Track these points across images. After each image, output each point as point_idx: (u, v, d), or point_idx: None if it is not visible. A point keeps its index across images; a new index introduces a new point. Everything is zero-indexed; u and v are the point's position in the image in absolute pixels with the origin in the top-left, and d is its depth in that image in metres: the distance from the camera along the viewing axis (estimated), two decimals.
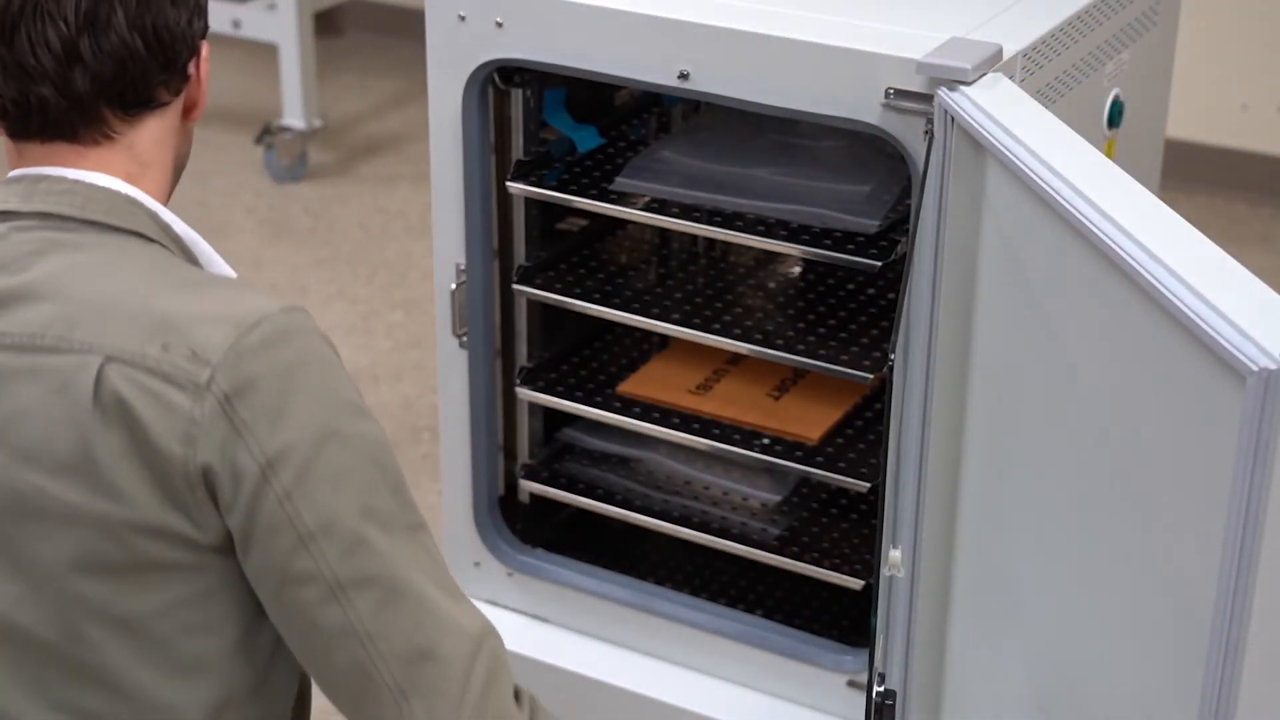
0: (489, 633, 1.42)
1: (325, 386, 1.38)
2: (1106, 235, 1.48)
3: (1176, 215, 1.51)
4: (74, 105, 1.45)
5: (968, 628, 1.95)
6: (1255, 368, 1.28)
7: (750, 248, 2.42)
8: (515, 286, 2.31)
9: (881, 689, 1.77)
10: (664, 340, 2.46)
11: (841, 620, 2.29)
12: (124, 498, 1.36)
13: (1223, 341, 1.31)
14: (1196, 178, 4.28)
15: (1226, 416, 1.32)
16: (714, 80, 2.01)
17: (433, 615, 1.38)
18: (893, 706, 1.78)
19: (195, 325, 1.36)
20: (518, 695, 1.46)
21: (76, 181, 1.46)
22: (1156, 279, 1.40)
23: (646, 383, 2.38)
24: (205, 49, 1.54)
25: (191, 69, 1.52)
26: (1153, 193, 1.62)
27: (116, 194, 1.46)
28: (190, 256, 1.50)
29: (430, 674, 1.38)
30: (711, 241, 2.51)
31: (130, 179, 1.48)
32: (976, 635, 1.93)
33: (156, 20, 1.45)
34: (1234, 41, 4.23)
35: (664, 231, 2.51)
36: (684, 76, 2.02)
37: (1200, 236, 1.47)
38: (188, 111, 1.54)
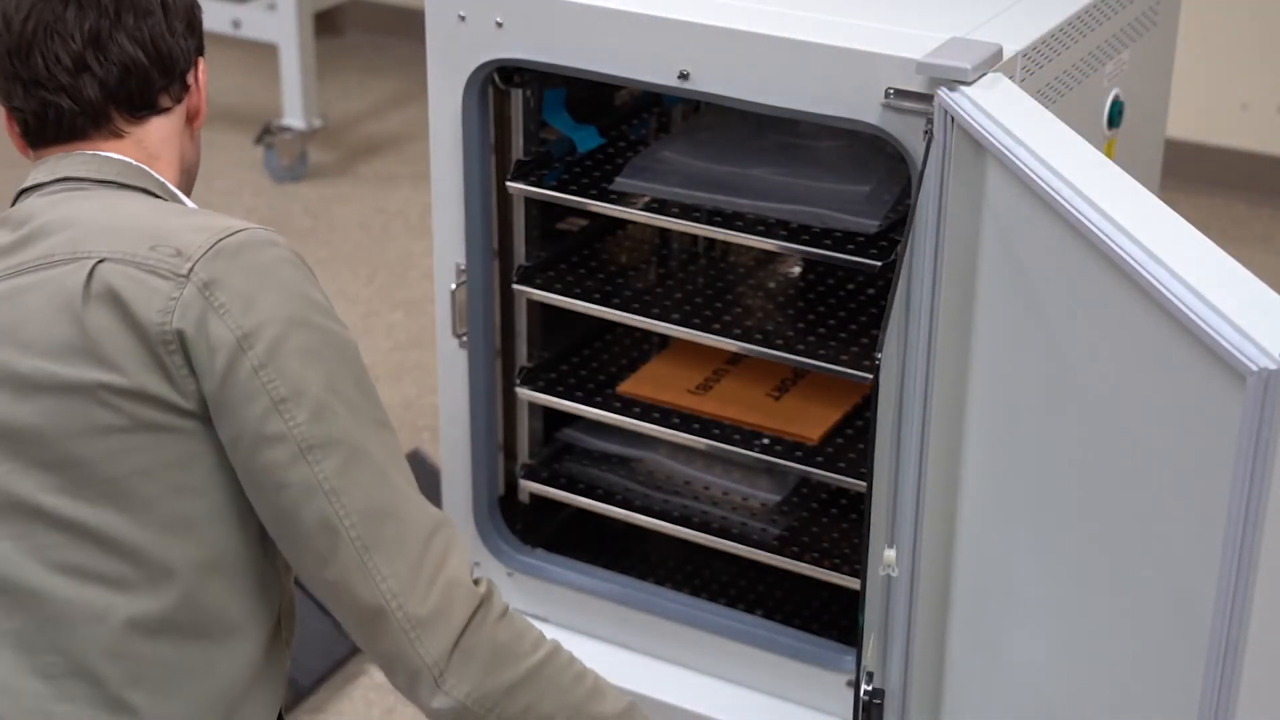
0: (446, 520, 1.56)
1: (297, 286, 1.54)
2: (1106, 235, 1.48)
3: (1176, 215, 1.51)
4: (85, 110, 1.65)
5: (967, 627, 1.95)
6: (1255, 368, 1.28)
7: (750, 248, 2.42)
8: (515, 286, 2.31)
9: (870, 688, 1.77)
10: (664, 340, 2.46)
11: (841, 620, 2.30)
12: (113, 365, 1.50)
13: (1223, 341, 1.31)
14: (1196, 178, 4.28)
15: (1226, 416, 1.32)
16: (714, 80, 2.01)
17: (393, 486, 1.53)
18: (880, 705, 1.78)
19: (181, 232, 1.55)
20: (476, 581, 1.57)
21: (94, 155, 1.66)
22: (1156, 279, 1.40)
23: (646, 383, 2.38)
24: (202, 64, 1.74)
25: (190, 79, 1.72)
26: (1153, 193, 1.62)
27: (128, 163, 1.66)
28: None
29: (392, 531, 1.51)
30: (711, 241, 2.51)
31: (145, 160, 1.68)
32: (976, 635, 1.93)
33: (153, 34, 1.66)
34: (1234, 41, 4.23)
35: (664, 231, 2.51)
36: (684, 76, 2.02)
37: (1200, 236, 1.47)
38: (191, 118, 1.74)
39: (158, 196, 1.66)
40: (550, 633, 2.39)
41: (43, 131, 1.66)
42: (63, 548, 1.53)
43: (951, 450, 1.90)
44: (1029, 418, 1.74)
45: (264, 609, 1.60)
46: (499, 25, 2.11)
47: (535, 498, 2.45)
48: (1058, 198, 1.57)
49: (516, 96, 2.25)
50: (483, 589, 1.56)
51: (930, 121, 1.82)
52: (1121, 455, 1.54)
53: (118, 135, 1.67)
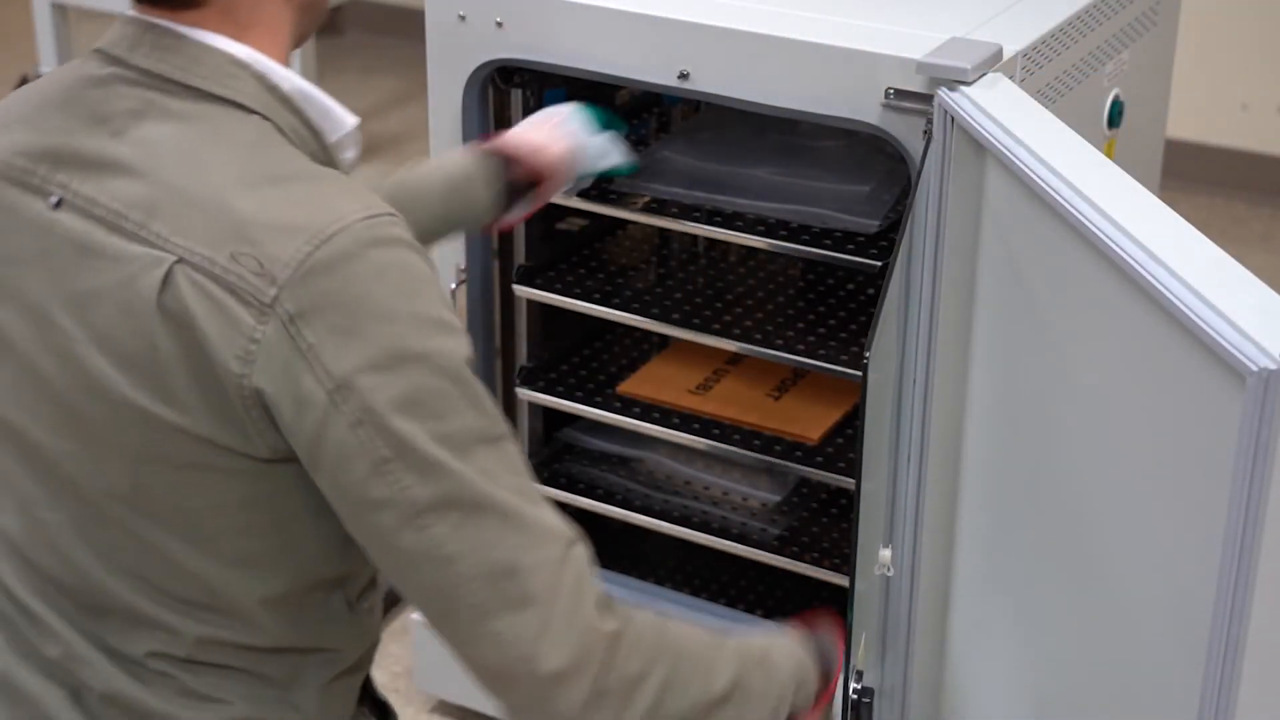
0: (573, 540, 1.36)
1: (400, 302, 1.30)
2: (1106, 235, 1.48)
3: (1176, 215, 1.51)
4: None
5: (967, 627, 1.95)
6: (1255, 368, 1.28)
7: (750, 248, 2.42)
8: (515, 286, 2.31)
9: (859, 686, 1.77)
10: (664, 340, 2.46)
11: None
12: (179, 404, 1.32)
13: (1223, 342, 1.31)
14: (1196, 178, 4.28)
15: (1226, 416, 1.31)
16: (714, 80, 2.01)
17: (514, 529, 1.31)
18: (870, 704, 1.78)
19: (269, 234, 1.29)
20: (607, 605, 1.37)
21: (184, 38, 1.38)
22: (1156, 279, 1.40)
23: (646, 383, 2.38)
24: None
25: None
26: (1153, 193, 1.62)
27: (222, 54, 1.38)
28: (303, 117, 1.41)
29: (516, 589, 1.31)
30: (711, 241, 2.51)
31: (234, 34, 1.40)
32: (976, 635, 1.93)
33: None
34: (1234, 41, 4.22)
35: (664, 231, 2.51)
36: (684, 76, 2.02)
37: (1200, 236, 1.47)
38: None
39: (252, 112, 1.38)
40: None
41: None
42: (130, 554, 1.41)
43: (951, 450, 1.90)
44: (1028, 417, 1.74)
45: (347, 622, 1.47)
46: (499, 25, 2.11)
47: None
48: (1058, 198, 1.57)
49: (516, 96, 2.25)
50: (613, 624, 1.35)
51: (930, 121, 1.82)
52: (1121, 455, 1.54)
53: (196, 2, 1.38)
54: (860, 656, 1.81)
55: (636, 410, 2.33)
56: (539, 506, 1.35)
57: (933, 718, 2.02)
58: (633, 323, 2.28)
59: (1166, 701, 1.47)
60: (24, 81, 4.61)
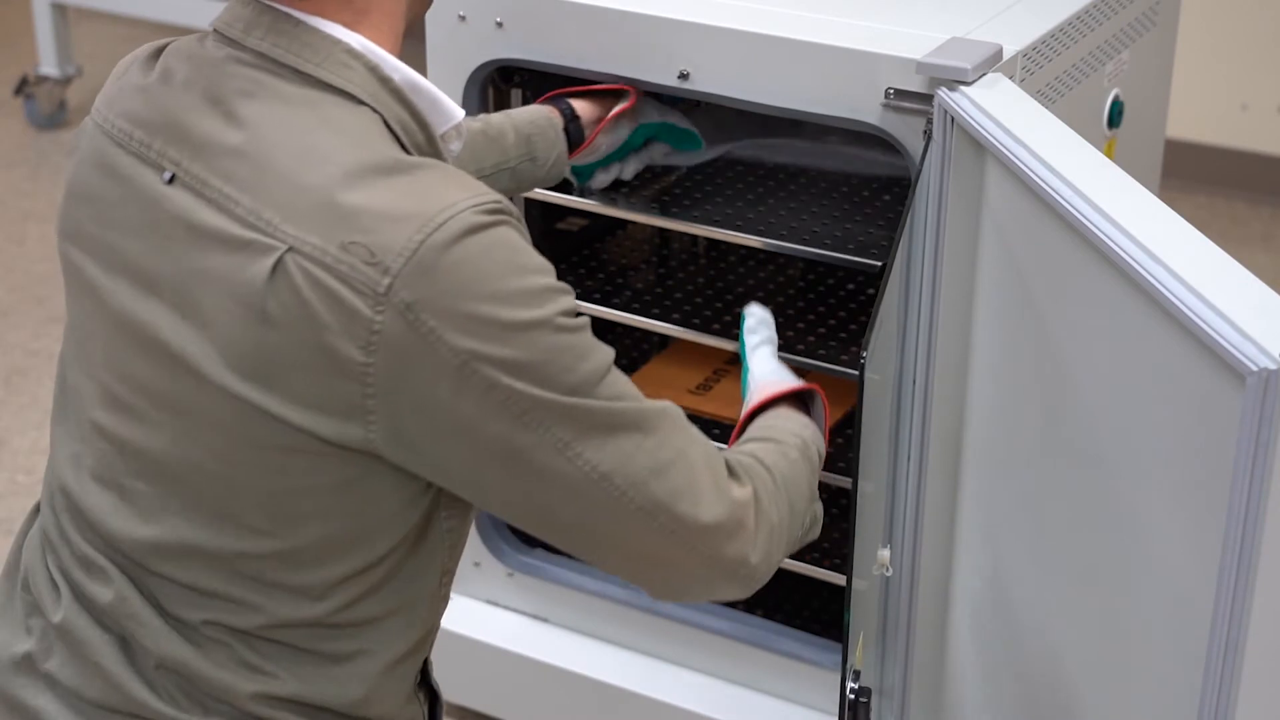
0: (672, 409, 1.46)
1: (511, 279, 1.33)
2: (1106, 235, 1.48)
3: (1176, 215, 1.51)
4: None
5: (967, 628, 1.95)
6: (1255, 368, 1.28)
7: (751, 248, 2.42)
8: None
9: (856, 686, 1.77)
10: (664, 340, 2.46)
11: (841, 621, 2.29)
12: (282, 391, 1.33)
13: (1222, 341, 1.31)
14: (1196, 178, 4.28)
15: (1226, 416, 1.31)
16: (714, 80, 2.01)
17: (645, 433, 1.40)
18: (867, 704, 1.78)
19: (379, 223, 1.31)
20: (732, 468, 1.51)
21: (300, 23, 1.40)
22: (1156, 279, 1.40)
23: (646, 383, 2.38)
24: None
25: None
26: (1153, 193, 1.62)
27: (337, 42, 1.40)
28: (412, 109, 1.42)
29: (665, 485, 1.41)
30: (711, 241, 2.51)
31: (348, 25, 1.41)
32: (976, 635, 1.93)
33: None
34: (1234, 41, 4.22)
35: (664, 231, 2.51)
36: (684, 76, 2.02)
37: (1200, 236, 1.47)
38: None
39: (361, 103, 1.39)
40: (550, 633, 2.41)
41: None
42: (208, 531, 1.42)
43: (951, 450, 1.90)
44: (1028, 418, 1.74)
45: (421, 595, 1.49)
46: (499, 25, 2.11)
47: None
48: (1058, 198, 1.57)
49: (516, 96, 2.25)
50: (747, 488, 1.49)
51: (930, 121, 1.82)
52: (1121, 455, 1.54)
53: None
54: (858, 656, 1.81)
55: None
56: (655, 402, 1.44)
57: (933, 718, 2.02)
58: (633, 323, 2.28)
59: (1166, 702, 1.47)
60: (24, 82, 4.61)
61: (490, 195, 1.35)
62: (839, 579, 2.21)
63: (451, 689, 2.47)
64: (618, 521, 1.41)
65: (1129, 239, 1.46)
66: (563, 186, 2.24)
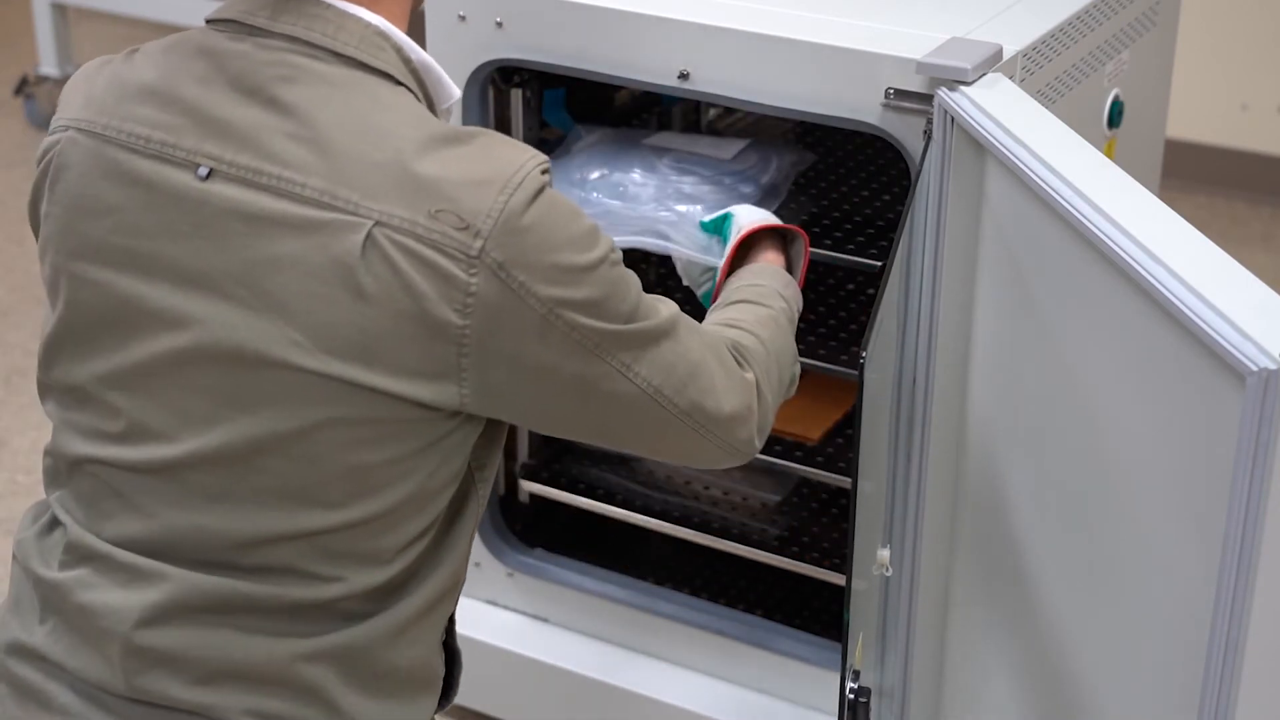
0: (678, 311, 1.54)
1: (573, 226, 1.41)
2: (1106, 235, 1.48)
3: (1176, 215, 1.51)
4: None
5: (967, 628, 1.95)
6: (1255, 368, 1.28)
7: None
8: None
9: (855, 685, 1.77)
10: None
11: (841, 621, 2.29)
12: (378, 363, 1.36)
13: (1223, 341, 1.31)
14: (1196, 178, 4.28)
15: (1226, 416, 1.31)
16: (714, 80, 2.01)
17: (674, 339, 1.50)
18: (866, 704, 1.78)
19: (461, 190, 1.36)
20: (736, 352, 1.62)
21: (328, 6, 1.42)
22: (1156, 279, 1.40)
23: None
24: None
25: None
26: (1153, 193, 1.62)
27: (367, 24, 1.43)
28: (425, 89, 1.48)
29: (699, 384, 1.52)
30: None
31: (365, 5, 1.44)
32: (976, 635, 1.93)
33: None
34: (1234, 41, 4.22)
35: None
36: (684, 76, 2.02)
37: (1200, 236, 1.47)
38: None
39: (399, 83, 1.43)
40: (550, 633, 2.41)
41: None
42: (296, 515, 1.43)
43: (951, 450, 1.90)
44: (1028, 417, 1.74)
45: (460, 543, 1.53)
46: (499, 25, 2.11)
47: (535, 498, 2.45)
48: (1058, 198, 1.57)
49: (516, 96, 2.25)
50: (750, 372, 1.60)
51: (930, 121, 1.82)
52: (1121, 455, 1.54)
53: None
54: (858, 656, 1.81)
55: None
56: (665, 305, 1.52)
57: (932, 718, 2.02)
58: None
59: (1166, 701, 1.47)
60: (24, 82, 4.61)
61: (540, 154, 1.42)
62: (839, 579, 2.21)
63: None
64: (662, 424, 1.51)
65: (1129, 239, 1.46)
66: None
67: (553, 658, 2.36)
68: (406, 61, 1.45)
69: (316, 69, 1.40)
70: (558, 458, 2.46)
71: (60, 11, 4.57)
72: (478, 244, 1.35)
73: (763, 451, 2.24)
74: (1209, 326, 1.32)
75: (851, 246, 2.11)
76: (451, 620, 1.61)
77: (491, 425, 1.51)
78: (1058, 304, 1.63)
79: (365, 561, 1.45)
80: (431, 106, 1.48)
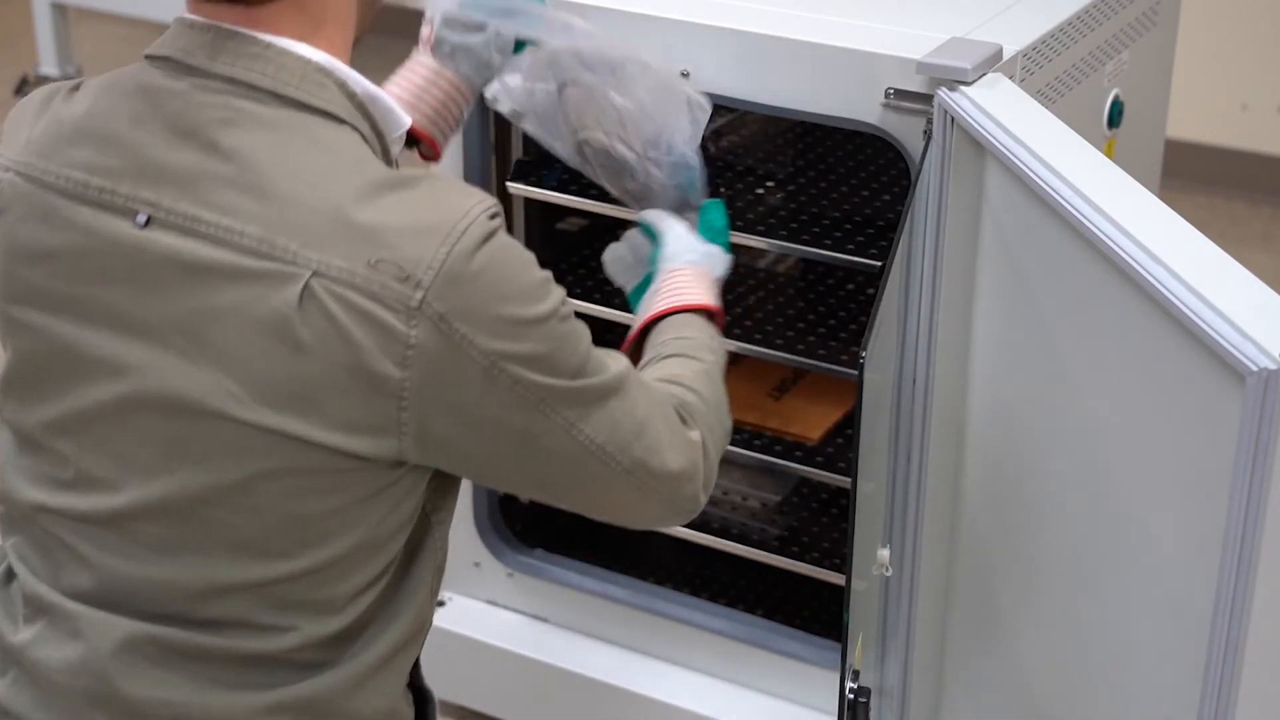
0: (629, 368, 1.49)
1: (521, 277, 1.37)
2: (1106, 235, 1.48)
3: (1176, 215, 1.51)
4: None
5: (967, 627, 1.95)
6: (1255, 368, 1.28)
7: (750, 247, 2.42)
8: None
9: (855, 685, 1.77)
10: None
11: (841, 621, 2.30)
12: (315, 417, 1.33)
13: (1223, 341, 1.31)
14: (1196, 178, 4.28)
15: (1226, 416, 1.32)
16: (714, 80, 2.01)
17: (621, 396, 1.45)
18: (866, 704, 1.78)
19: (402, 238, 1.31)
20: (681, 410, 1.55)
21: (268, 45, 1.37)
22: (1156, 279, 1.40)
23: None
24: None
25: None
26: (1153, 193, 1.62)
27: (308, 62, 1.38)
28: (372, 122, 1.42)
29: (646, 439, 1.47)
30: None
31: (305, 38, 1.39)
32: (976, 635, 1.93)
33: None
34: (1234, 41, 4.22)
35: None
36: (684, 76, 2.02)
37: (1200, 236, 1.47)
38: None
39: (342, 122, 1.38)
40: (550, 633, 2.41)
41: None
42: (242, 565, 1.40)
43: (951, 450, 1.90)
44: (1028, 417, 1.74)
45: (419, 590, 1.50)
46: None
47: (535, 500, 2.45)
48: (1058, 198, 1.57)
49: None
50: (696, 431, 1.54)
51: (930, 121, 1.82)
52: (1121, 455, 1.54)
53: None
54: (858, 656, 1.81)
55: None
56: (615, 361, 1.47)
57: (932, 718, 2.02)
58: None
59: (1167, 701, 1.47)
60: (24, 82, 4.61)
61: (490, 198, 1.37)
62: (839, 579, 2.21)
63: (451, 689, 2.47)
64: (606, 481, 1.47)
65: (1129, 239, 1.46)
66: (564, 187, 2.24)
67: (553, 658, 2.36)
68: (351, 96, 1.40)
69: (256, 111, 1.36)
70: None
71: (60, 11, 4.57)
72: (418, 295, 1.31)
73: (763, 451, 2.24)
74: (1209, 326, 1.33)
75: (851, 246, 2.11)
76: (417, 663, 1.58)
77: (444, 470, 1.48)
78: (1058, 304, 1.63)
79: (318, 610, 1.42)
80: (381, 138, 1.43)
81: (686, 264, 1.77)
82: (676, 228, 1.82)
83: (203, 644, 1.42)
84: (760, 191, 2.32)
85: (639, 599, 2.33)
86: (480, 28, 1.75)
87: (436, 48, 1.76)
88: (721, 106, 2.07)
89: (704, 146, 2.44)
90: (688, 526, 2.32)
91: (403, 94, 1.78)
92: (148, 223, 1.36)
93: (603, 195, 2.24)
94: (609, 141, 1.84)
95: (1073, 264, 1.56)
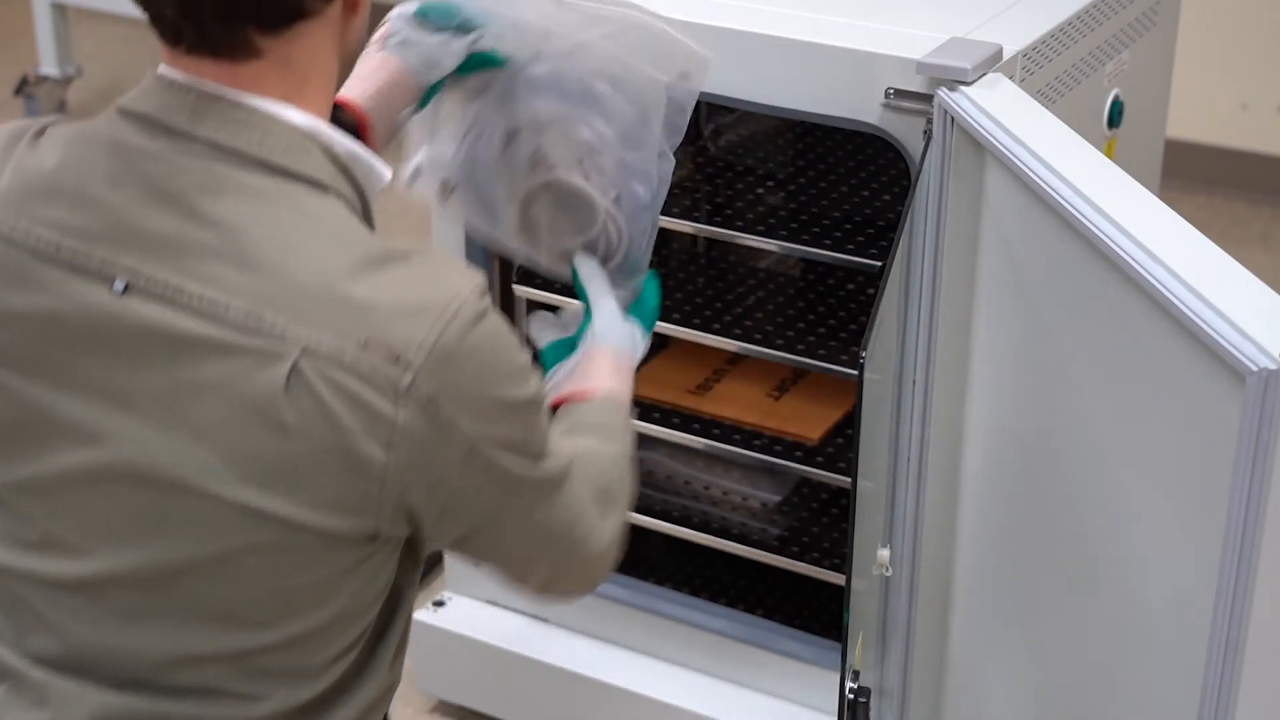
0: (572, 465, 1.47)
1: (508, 360, 1.35)
2: (1106, 235, 1.48)
3: (1176, 215, 1.51)
4: (201, 25, 1.28)
5: (967, 627, 1.95)
6: (1255, 368, 1.28)
7: (750, 247, 2.42)
8: (515, 286, 2.31)
9: (855, 685, 1.77)
10: (664, 340, 2.46)
11: (841, 621, 2.29)
12: (297, 496, 1.30)
13: (1223, 341, 1.31)
14: (1196, 178, 4.28)
15: (1226, 416, 1.32)
16: (714, 80, 2.01)
17: (574, 482, 1.45)
18: (866, 704, 1.78)
19: (393, 318, 1.28)
20: (601, 499, 1.52)
21: (253, 110, 1.31)
22: (1156, 279, 1.40)
23: (646, 383, 2.38)
24: None
25: None
26: (1153, 193, 1.62)
27: (295, 129, 1.32)
28: (353, 180, 1.37)
29: (583, 525, 1.47)
30: (711, 241, 2.51)
31: (288, 98, 1.33)
32: (976, 635, 1.93)
33: None
34: (1234, 41, 4.22)
35: (664, 231, 2.51)
36: (684, 76, 2.02)
37: (1200, 236, 1.47)
38: (350, 8, 1.36)
39: (327, 189, 1.33)
40: (550, 633, 2.41)
41: (161, 33, 1.31)
42: (207, 633, 1.37)
43: (951, 450, 1.90)
44: (1028, 417, 1.74)
45: (389, 652, 1.48)
46: None
47: None
48: (1058, 198, 1.57)
49: None
50: (616, 517, 1.54)
51: (930, 121, 1.82)
52: (1121, 455, 1.54)
53: (256, 54, 1.30)
54: (858, 656, 1.81)
55: (636, 410, 2.32)
56: (561, 446, 1.46)
57: (932, 718, 2.02)
58: None
59: (1166, 700, 1.47)
60: (24, 82, 4.61)
61: (478, 275, 1.35)
62: (839, 579, 2.21)
63: (451, 689, 2.47)
64: (535, 559, 1.47)
65: (1129, 239, 1.46)
66: None
67: (553, 658, 2.36)
68: (335, 159, 1.35)
69: (242, 180, 1.30)
70: None
71: (60, 11, 4.57)
72: (408, 377, 1.27)
73: (763, 451, 2.24)
74: (1209, 326, 1.33)
75: (851, 246, 2.11)
76: (386, 717, 1.56)
77: (413, 538, 1.44)
78: (1058, 304, 1.64)
79: (293, 678, 1.39)
80: (363, 198, 1.39)
81: (610, 347, 1.72)
82: (608, 306, 1.75)
83: (172, 712, 1.38)
84: (760, 191, 2.33)
85: (639, 599, 2.33)
86: (439, 31, 1.69)
87: (389, 38, 1.68)
88: (722, 107, 2.07)
89: (704, 146, 2.46)
90: (687, 526, 2.32)
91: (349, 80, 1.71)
92: (126, 289, 1.30)
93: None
94: (570, 179, 1.74)
95: (1073, 264, 1.56)
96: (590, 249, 1.75)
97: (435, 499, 1.35)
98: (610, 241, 1.75)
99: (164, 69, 1.33)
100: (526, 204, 1.76)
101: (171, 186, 1.30)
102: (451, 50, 1.68)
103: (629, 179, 1.74)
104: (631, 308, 1.76)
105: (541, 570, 1.49)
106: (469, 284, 1.32)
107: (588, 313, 1.74)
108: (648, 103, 1.74)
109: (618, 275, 1.76)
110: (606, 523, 1.52)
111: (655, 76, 1.74)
